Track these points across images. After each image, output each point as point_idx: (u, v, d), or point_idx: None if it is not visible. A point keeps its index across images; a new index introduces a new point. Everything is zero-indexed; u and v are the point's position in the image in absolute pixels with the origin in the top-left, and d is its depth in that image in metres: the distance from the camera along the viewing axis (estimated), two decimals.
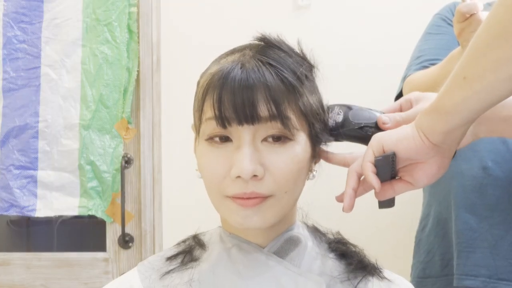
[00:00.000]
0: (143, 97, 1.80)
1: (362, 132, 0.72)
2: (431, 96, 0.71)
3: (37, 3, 1.81)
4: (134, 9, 1.79)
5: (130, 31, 1.79)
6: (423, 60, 1.31)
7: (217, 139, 0.69)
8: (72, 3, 1.80)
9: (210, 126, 0.68)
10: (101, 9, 1.78)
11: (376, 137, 0.69)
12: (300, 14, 1.79)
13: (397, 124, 0.72)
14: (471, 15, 1.09)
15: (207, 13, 1.81)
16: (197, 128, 0.72)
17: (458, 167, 1.21)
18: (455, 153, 0.70)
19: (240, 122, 0.66)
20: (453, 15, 1.13)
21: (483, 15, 1.09)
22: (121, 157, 1.79)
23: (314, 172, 0.76)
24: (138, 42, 1.80)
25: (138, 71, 1.79)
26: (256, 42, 0.74)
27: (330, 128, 0.75)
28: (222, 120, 0.66)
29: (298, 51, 0.74)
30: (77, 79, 1.79)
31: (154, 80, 1.80)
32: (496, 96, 0.58)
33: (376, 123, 0.73)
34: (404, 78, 1.33)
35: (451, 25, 1.16)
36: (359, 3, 1.79)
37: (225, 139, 0.68)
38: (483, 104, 0.59)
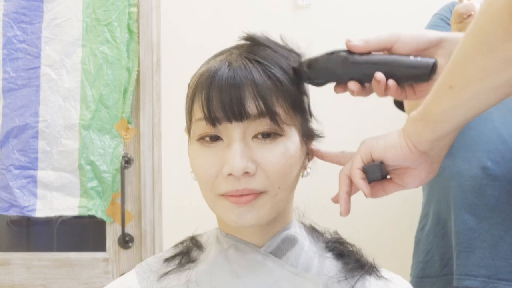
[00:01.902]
0: (143, 97, 1.80)
1: (333, 57, 0.71)
2: (409, 34, 0.69)
3: (37, 3, 1.81)
4: (134, 9, 1.80)
5: (130, 31, 1.79)
6: None
7: (207, 138, 0.69)
8: (72, 3, 1.80)
9: (201, 127, 0.69)
10: (101, 9, 1.79)
11: (365, 144, 0.69)
12: (300, 14, 1.79)
13: (366, 45, 0.70)
14: (469, 15, 1.09)
15: (207, 13, 1.81)
16: (189, 129, 0.73)
17: (457, 167, 1.21)
18: None
19: (229, 120, 0.67)
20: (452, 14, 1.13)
21: None
22: (121, 157, 1.79)
23: (308, 170, 0.76)
24: (138, 42, 1.80)
25: (138, 71, 1.80)
26: (244, 41, 0.74)
27: (301, 65, 0.72)
28: (212, 119, 0.67)
29: (285, 46, 0.75)
30: (77, 79, 1.79)
31: (154, 80, 1.80)
32: (484, 104, 0.58)
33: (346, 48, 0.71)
34: None
35: (450, 25, 1.16)
36: (359, 3, 1.79)
37: (216, 138, 0.69)
38: (471, 112, 0.59)
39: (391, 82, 0.68)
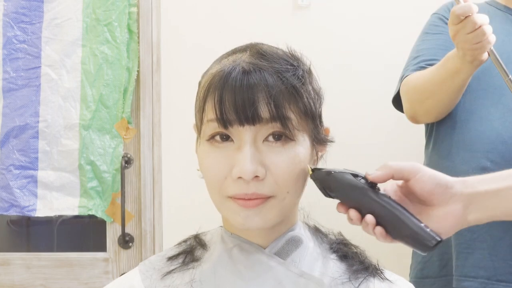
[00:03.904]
0: (143, 97, 1.80)
1: (353, 182, 0.68)
2: (428, 172, 0.69)
3: (37, 3, 1.81)
4: (134, 9, 1.79)
5: (130, 31, 1.79)
6: (420, 60, 1.31)
7: (218, 137, 0.69)
8: (72, 3, 1.80)
9: (212, 128, 0.69)
10: (101, 9, 1.79)
11: None
12: (300, 14, 1.79)
13: (386, 173, 0.69)
14: (466, 17, 1.08)
15: (207, 13, 1.81)
16: (199, 128, 0.72)
17: (456, 168, 1.21)
18: None
19: (241, 123, 0.66)
20: None
21: (478, 17, 1.09)
22: (121, 157, 1.79)
23: None
24: (138, 42, 1.80)
25: (138, 71, 1.79)
26: (257, 42, 0.74)
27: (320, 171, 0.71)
28: (224, 121, 0.67)
29: (294, 54, 0.74)
30: (77, 79, 1.79)
31: (154, 80, 1.80)
32: None
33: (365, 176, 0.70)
34: (402, 78, 1.33)
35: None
36: (359, 3, 1.79)
37: (226, 138, 0.68)
38: None
39: (383, 234, 0.67)
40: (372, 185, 0.69)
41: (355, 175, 0.69)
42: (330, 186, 0.70)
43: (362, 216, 0.68)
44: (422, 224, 0.66)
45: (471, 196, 0.68)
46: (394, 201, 0.68)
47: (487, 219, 0.69)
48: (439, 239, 0.66)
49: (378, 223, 0.67)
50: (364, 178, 0.69)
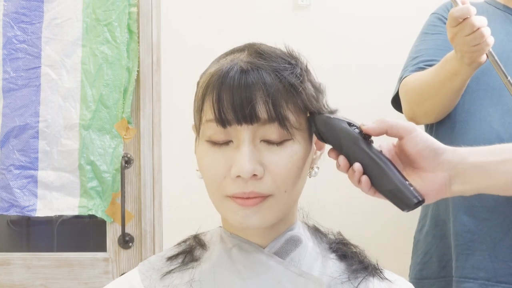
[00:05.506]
0: (143, 97, 1.80)
1: (348, 131, 0.70)
2: (422, 133, 0.70)
3: (37, 3, 1.81)
4: (134, 9, 1.80)
5: (130, 31, 1.79)
6: (419, 61, 1.30)
7: (217, 141, 0.69)
8: (72, 3, 1.80)
9: (211, 128, 0.69)
10: (101, 9, 1.79)
11: None
12: (300, 14, 1.79)
13: (381, 126, 0.70)
14: (464, 19, 1.08)
15: (207, 13, 1.81)
16: (197, 128, 0.72)
17: None
18: None
19: (239, 122, 0.67)
20: None
21: (476, 19, 1.08)
22: (121, 157, 1.79)
23: (316, 169, 0.76)
24: (138, 42, 1.80)
25: (138, 71, 1.80)
26: (255, 42, 0.74)
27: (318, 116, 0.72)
28: (222, 121, 0.67)
29: (292, 53, 0.74)
30: (77, 79, 1.79)
31: (154, 80, 1.80)
32: None
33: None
34: (401, 79, 1.32)
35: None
36: (359, 3, 1.79)
37: (226, 143, 0.69)
38: None
39: (368, 184, 0.68)
40: (365, 137, 0.70)
41: (351, 124, 0.71)
42: (325, 130, 0.71)
43: (351, 165, 0.69)
44: (407, 182, 0.67)
45: (458, 167, 0.69)
46: (384, 155, 0.69)
47: (471, 192, 0.70)
48: (421, 199, 0.67)
49: (364, 174, 0.68)
50: (359, 128, 0.70)
